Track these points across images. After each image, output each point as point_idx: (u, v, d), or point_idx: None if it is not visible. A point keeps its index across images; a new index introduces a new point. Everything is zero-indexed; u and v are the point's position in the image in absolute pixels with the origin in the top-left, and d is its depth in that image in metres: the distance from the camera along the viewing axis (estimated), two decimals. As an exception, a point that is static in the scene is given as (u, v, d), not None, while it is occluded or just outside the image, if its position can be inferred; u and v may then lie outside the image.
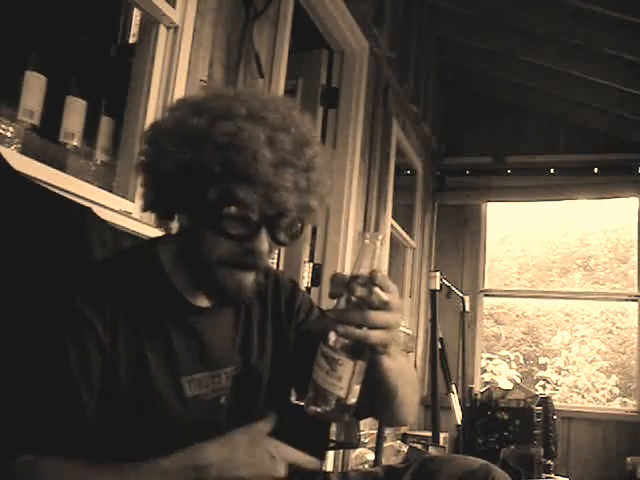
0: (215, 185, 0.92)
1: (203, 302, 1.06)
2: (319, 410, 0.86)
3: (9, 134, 1.69)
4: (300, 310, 1.17)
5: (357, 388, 0.87)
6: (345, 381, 0.85)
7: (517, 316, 8.66)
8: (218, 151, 0.91)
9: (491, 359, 7.44)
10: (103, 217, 1.36)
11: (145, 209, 1.04)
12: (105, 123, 2.00)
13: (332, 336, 0.85)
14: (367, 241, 0.89)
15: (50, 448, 0.88)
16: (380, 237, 0.90)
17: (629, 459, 3.88)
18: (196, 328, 1.04)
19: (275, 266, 3.18)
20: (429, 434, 3.69)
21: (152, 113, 1.85)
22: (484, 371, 6.52)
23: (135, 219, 1.73)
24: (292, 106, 1.00)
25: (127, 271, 1.02)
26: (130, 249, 1.16)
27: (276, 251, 1.03)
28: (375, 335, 0.85)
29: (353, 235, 3.23)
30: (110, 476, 0.87)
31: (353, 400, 0.86)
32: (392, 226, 3.89)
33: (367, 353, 0.87)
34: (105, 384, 0.94)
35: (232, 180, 0.91)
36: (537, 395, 3.91)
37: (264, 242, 0.95)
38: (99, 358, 0.94)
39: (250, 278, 0.98)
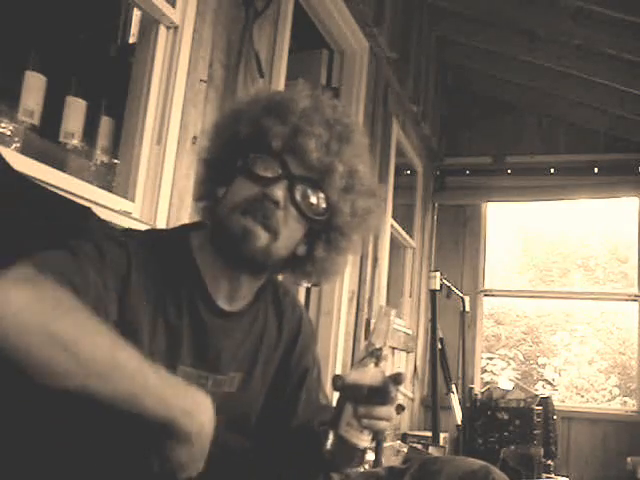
0: (250, 121, 0.99)
1: (225, 304, 1.05)
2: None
3: (9, 134, 1.69)
4: (309, 365, 1.21)
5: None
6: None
7: (517, 316, 8.66)
8: (265, 98, 1.03)
9: (491, 359, 7.44)
10: (103, 217, 1.36)
11: (198, 192, 1.09)
12: (105, 123, 2.00)
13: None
14: (382, 314, 1.02)
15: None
16: (393, 312, 1.03)
17: (629, 459, 3.87)
18: (210, 327, 1.03)
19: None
20: (429, 434, 3.69)
21: (152, 113, 1.85)
22: (484, 371, 6.52)
23: (135, 219, 1.73)
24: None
25: (158, 248, 1.01)
26: (163, 230, 1.18)
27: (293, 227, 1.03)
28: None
29: (353, 235, 3.23)
30: (105, 340, 0.79)
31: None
32: (392, 226, 3.90)
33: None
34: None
35: (266, 115, 0.98)
36: (537, 395, 3.91)
37: (279, 190, 0.96)
38: (112, 281, 0.92)
39: (259, 234, 0.97)
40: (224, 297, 1.05)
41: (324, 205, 1.01)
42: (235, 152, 1.02)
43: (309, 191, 0.99)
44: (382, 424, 0.97)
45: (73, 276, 0.86)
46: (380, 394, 0.96)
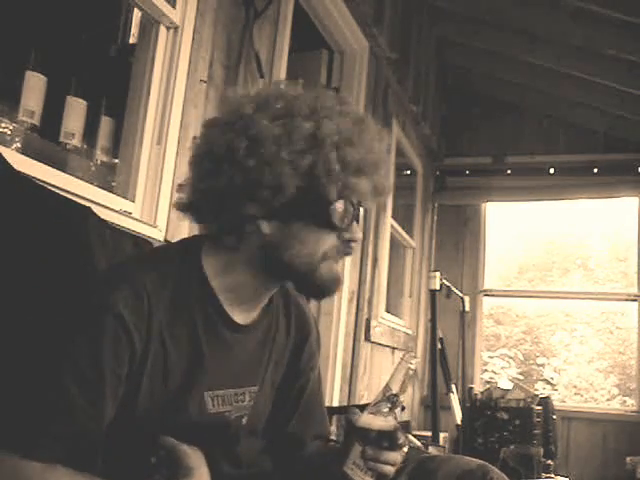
0: (333, 181, 0.97)
1: (240, 318, 1.05)
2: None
3: (9, 134, 1.70)
4: (315, 368, 1.24)
5: None
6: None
7: (517, 316, 8.66)
8: (355, 163, 0.98)
9: (492, 358, 7.44)
10: (103, 217, 1.36)
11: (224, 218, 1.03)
12: (105, 123, 2.00)
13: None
14: (403, 362, 1.05)
15: (62, 453, 0.84)
16: (414, 361, 1.07)
17: (629, 459, 3.87)
18: (230, 344, 1.04)
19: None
20: (429, 434, 3.70)
21: (152, 113, 1.86)
22: (484, 371, 6.52)
23: (135, 219, 1.73)
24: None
25: (169, 277, 0.99)
26: (169, 251, 1.12)
27: None
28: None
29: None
30: None
31: None
32: (392, 226, 3.90)
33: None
34: (126, 395, 0.93)
35: (350, 174, 0.98)
36: (537, 395, 3.91)
37: (360, 230, 1.04)
38: (127, 367, 0.92)
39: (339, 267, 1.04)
40: (239, 310, 1.05)
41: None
42: (309, 193, 0.98)
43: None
44: (388, 468, 1.00)
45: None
46: (389, 439, 0.99)
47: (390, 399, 1.01)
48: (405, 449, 1.05)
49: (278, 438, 1.18)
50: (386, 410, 1.00)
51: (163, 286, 0.97)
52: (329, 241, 1.00)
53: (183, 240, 1.20)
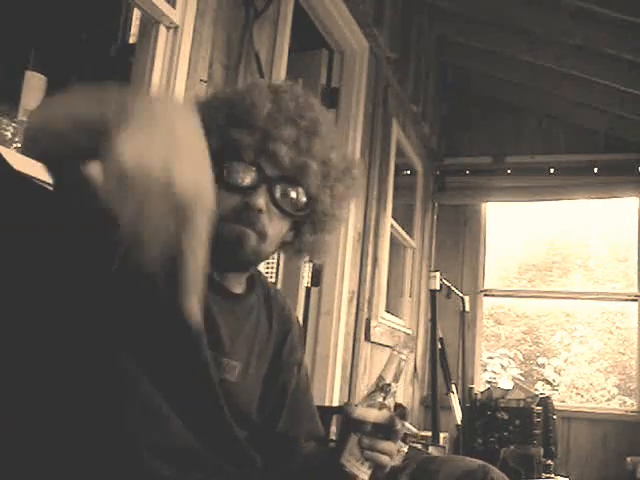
0: (217, 133, 0.96)
1: (232, 286, 1.06)
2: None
3: (9, 134, 1.70)
4: (298, 362, 1.21)
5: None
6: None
7: (517, 316, 8.66)
8: (225, 105, 1.00)
9: (492, 358, 7.44)
10: (103, 217, 1.36)
11: None
12: (105, 123, 1.99)
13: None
14: (395, 352, 1.05)
15: None
16: (406, 351, 1.07)
17: (629, 459, 3.87)
18: (215, 311, 1.02)
19: (275, 266, 3.19)
20: (429, 434, 3.70)
21: (152, 113, 1.85)
22: (484, 371, 6.52)
23: (135, 219, 1.73)
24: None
25: None
26: None
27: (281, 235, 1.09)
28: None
29: (353, 235, 3.24)
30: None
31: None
32: (392, 226, 3.90)
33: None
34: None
35: (232, 126, 0.98)
36: (537, 395, 3.91)
37: (260, 197, 0.98)
38: None
39: (250, 236, 0.99)
40: (228, 279, 1.06)
41: (304, 199, 1.04)
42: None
43: (288, 189, 1.02)
44: (385, 458, 0.99)
45: None
46: (385, 430, 0.99)
47: (384, 389, 1.01)
48: (405, 449, 1.04)
49: (269, 440, 1.14)
50: (380, 400, 1.01)
51: None
52: (230, 202, 0.98)
53: None
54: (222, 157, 0.97)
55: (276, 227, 1.03)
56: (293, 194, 1.02)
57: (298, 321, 1.26)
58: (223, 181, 0.98)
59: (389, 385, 1.02)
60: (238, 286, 1.10)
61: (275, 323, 1.17)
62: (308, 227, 1.10)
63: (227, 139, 0.98)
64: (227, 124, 0.99)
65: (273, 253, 1.11)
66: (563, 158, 4.67)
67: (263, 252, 1.04)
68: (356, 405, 1.01)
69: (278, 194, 1.01)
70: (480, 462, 1.11)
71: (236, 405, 1.03)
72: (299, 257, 1.15)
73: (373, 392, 1.02)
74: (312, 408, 1.25)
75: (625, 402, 7.06)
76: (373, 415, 0.99)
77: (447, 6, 4.24)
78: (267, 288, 1.19)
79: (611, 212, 7.93)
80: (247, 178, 0.99)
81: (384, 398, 1.01)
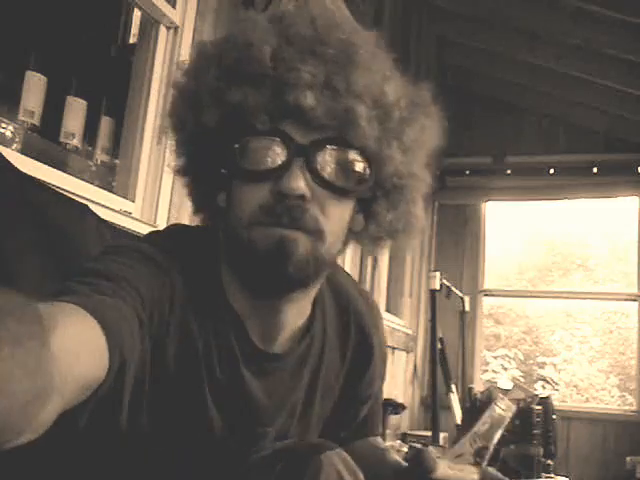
0: (213, 102, 0.70)
1: (270, 346, 0.80)
2: None
3: (9, 134, 1.70)
4: (373, 394, 0.97)
5: None
6: None
7: (517, 316, 8.66)
8: (214, 60, 0.72)
9: (495, 358, 7.44)
10: (103, 217, 1.36)
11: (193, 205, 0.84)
12: (105, 123, 2.00)
13: None
14: (502, 412, 0.92)
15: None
16: (513, 408, 0.95)
17: (629, 459, 3.87)
18: (247, 379, 0.79)
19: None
20: (429, 434, 3.70)
21: (152, 113, 1.86)
22: (484, 371, 6.52)
23: (135, 219, 1.73)
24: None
25: (190, 276, 0.75)
26: (189, 251, 0.79)
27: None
28: None
29: (353, 235, 3.23)
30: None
31: None
32: (392, 226, 3.89)
33: None
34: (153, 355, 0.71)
35: (229, 86, 0.69)
36: (537, 395, 3.90)
37: (296, 178, 0.68)
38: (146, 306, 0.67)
39: (297, 238, 0.69)
40: (260, 337, 0.80)
41: (362, 163, 0.72)
42: (211, 146, 0.74)
43: (335, 155, 0.71)
44: None
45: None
46: None
47: (479, 453, 0.87)
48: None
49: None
50: (469, 464, 0.86)
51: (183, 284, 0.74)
52: (256, 196, 0.69)
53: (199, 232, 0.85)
54: (228, 135, 0.71)
55: (333, 214, 0.72)
56: (344, 160, 0.71)
57: (382, 339, 0.96)
58: (239, 170, 0.71)
59: (485, 449, 0.87)
60: (298, 318, 0.82)
61: (350, 350, 0.90)
62: (381, 202, 0.79)
63: (227, 106, 0.70)
64: (221, 85, 0.70)
65: (341, 252, 0.79)
66: (563, 158, 4.67)
67: (324, 256, 0.72)
68: (438, 456, 0.82)
69: (322, 167, 0.70)
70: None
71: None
72: (380, 246, 0.82)
73: (463, 454, 0.87)
74: (379, 422, 1.04)
75: (625, 402, 7.05)
76: (460, 476, 0.82)
77: (447, 6, 4.24)
78: (339, 296, 0.90)
79: (611, 212, 7.93)
80: (270, 155, 0.69)
81: (477, 463, 0.87)
